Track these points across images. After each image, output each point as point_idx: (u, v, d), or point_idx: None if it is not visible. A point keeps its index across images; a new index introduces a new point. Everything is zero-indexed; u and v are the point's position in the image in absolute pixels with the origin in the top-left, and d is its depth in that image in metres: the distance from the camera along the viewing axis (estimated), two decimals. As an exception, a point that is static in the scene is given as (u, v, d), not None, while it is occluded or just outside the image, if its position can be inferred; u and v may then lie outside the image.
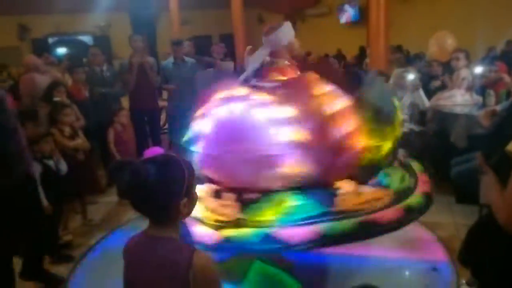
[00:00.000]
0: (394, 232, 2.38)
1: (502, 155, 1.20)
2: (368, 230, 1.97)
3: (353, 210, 2.02)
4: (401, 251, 2.95)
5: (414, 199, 2.18)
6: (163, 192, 1.18)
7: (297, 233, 1.91)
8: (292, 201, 2.05)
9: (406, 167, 2.51)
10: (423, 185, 2.32)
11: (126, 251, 1.30)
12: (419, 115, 4.33)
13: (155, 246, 1.22)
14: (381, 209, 2.05)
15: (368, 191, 2.15)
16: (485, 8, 7.94)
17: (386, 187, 2.22)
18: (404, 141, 2.81)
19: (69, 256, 3.28)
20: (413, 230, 3.14)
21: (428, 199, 2.22)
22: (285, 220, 1.99)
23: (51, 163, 3.24)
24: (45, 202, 3.07)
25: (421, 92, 4.43)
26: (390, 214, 2.03)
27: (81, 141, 3.76)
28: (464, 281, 2.55)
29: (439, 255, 2.97)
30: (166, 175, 1.19)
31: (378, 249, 2.90)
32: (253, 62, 2.66)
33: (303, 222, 1.96)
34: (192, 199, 1.27)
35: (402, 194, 2.19)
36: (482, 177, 2.99)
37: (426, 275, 2.72)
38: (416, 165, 2.56)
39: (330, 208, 2.02)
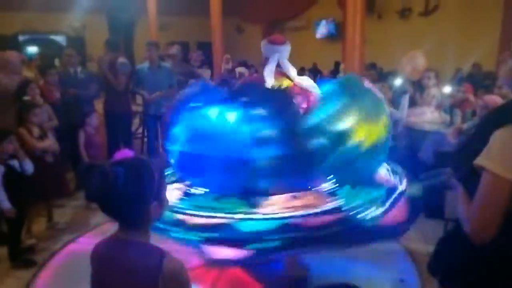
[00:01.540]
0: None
1: (470, 169, 1.25)
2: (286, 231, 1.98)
3: (271, 212, 2.05)
4: (369, 262, 2.99)
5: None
6: (132, 195, 1.16)
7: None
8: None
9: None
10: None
11: (95, 256, 1.27)
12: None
13: (124, 250, 1.20)
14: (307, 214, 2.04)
15: (305, 197, 2.15)
16: (454, 32, 8.33)
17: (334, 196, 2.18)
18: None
19: (31, 261, 3.15)
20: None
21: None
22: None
23: (14, 163, 3.12)
24: (7, 204, 2.96)
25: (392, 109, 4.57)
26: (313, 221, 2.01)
27: (50, 142, 3.65)
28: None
29: (406, 266, 3.04)
30: (135, 178, 1.17)
31: (346, 260, 2.94)
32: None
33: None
34: (162, 202, 1.26)
35: (345, 209, 2.10)
36: (448, 192, 3.11)
37: (393, 286, 2.77)
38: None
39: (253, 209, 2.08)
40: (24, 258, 3.16)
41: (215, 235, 2.01)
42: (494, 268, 1.27)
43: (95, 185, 1.15)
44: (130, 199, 1.16)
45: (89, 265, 1.27)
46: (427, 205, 3.79)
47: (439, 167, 3.63)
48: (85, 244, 3.32)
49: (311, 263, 2.84)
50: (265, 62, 2.69)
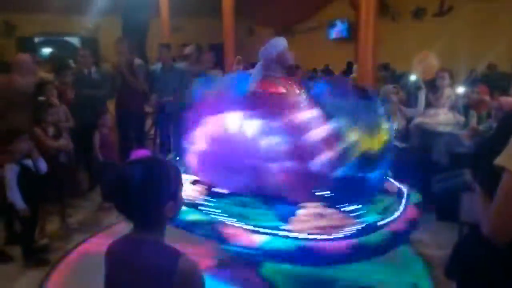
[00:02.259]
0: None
1: (490, 169, 1.23)
2: (308, 256, 1.96)
3: (300, 231, 2.02)
4: (382, 266, 2.95)
5: (374, 237, 2.10)
6: (148, 194, 1.16)
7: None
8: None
9: (399, 196, 2.47)
10: (403, 220, 2.25)
11: (109, 254, 1.27)
12: (403, 132, 4.40)
13: (139, 250, 1.19)
14: (330, 238, 2.01)
15: (332, 216, 2.12)
16: (468, 33, 8.21)
17: (357, 216, 2.17)
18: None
19: (45, 260, 3.18)
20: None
21: (393, 238, 2.15)
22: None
23: (28, 163, 3.16)
24: (21, 203, 3.00)
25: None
26: (336, 246, 1.99)
27: (64, 142, 3.69)
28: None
29: (418, 271, 3.00)
30: (151, 178, 1.17)
31: (359, 264, 2.91)
32: (253, 76, 2.72)
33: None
34: (178, 203, 1.25)
35: (367, 228, 2.12)
36: (463, 195, 3.06)
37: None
38: (413, 196, 2.53)
39: (283, 225, 2.05)
40: (38, 258, 3.19)
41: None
42: None
43: (111, 184, 1.16)
44: (146, 198, 1.16)
45: (102, 264, 1.26)
46: (440, 208, 3.75)
47: (453, 168, 3.59)
48: (98, 244, 3.34)
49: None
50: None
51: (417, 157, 4.22)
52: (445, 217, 3.67)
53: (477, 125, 4.00)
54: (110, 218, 3.77)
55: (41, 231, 3.50)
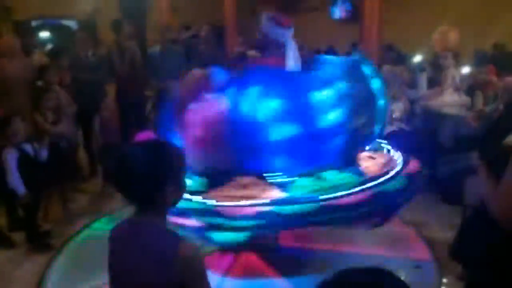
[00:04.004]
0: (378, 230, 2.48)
1: (498, 150, 1.20)
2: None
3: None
4: (385, 248, 2.95)
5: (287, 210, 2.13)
6: (149, 177, 1.15)
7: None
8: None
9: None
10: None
11: (112, 238, 1.27)
12: (409, 114, 4.34)
13: (140, 233, 1.20)
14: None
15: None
16: (475, 11, 8.04)
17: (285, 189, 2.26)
18: (394, 140, 2.82)
19: (48, 245, 3.20)
20: (398, 227, 3.16)
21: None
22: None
23: (28, 148, 3.13)
24: (22, 189, 2.99)
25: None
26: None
27: (64, 127, 3.65)
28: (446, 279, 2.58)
29: (423, 253, 2.99)
30: (154, 161, 1.16)
31: (362, 247, 2.90)
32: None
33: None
34: (180, 187, 1.24)
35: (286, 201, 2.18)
36: (468, 177, 3.03)
37: (409, 273, 2.72)
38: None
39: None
40: (41, 243, 3.20)
41: None
42: None
43: (113, 166, 1.16)
44: (149, 181, 1.15)
45: (104, 249, 1.26)
46: (444, 190, 3.72)
47: (459, 151, 3.56)
48: (100, 228, 3.35)
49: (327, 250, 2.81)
50: (270, 44, 2.63)
51: (422, 139, 4.17)
52: (450, 200, 3.64)
53: (483, 106, 3.93)
54: (112, 204, 3.77)
55: (44, 217, 3.50)
